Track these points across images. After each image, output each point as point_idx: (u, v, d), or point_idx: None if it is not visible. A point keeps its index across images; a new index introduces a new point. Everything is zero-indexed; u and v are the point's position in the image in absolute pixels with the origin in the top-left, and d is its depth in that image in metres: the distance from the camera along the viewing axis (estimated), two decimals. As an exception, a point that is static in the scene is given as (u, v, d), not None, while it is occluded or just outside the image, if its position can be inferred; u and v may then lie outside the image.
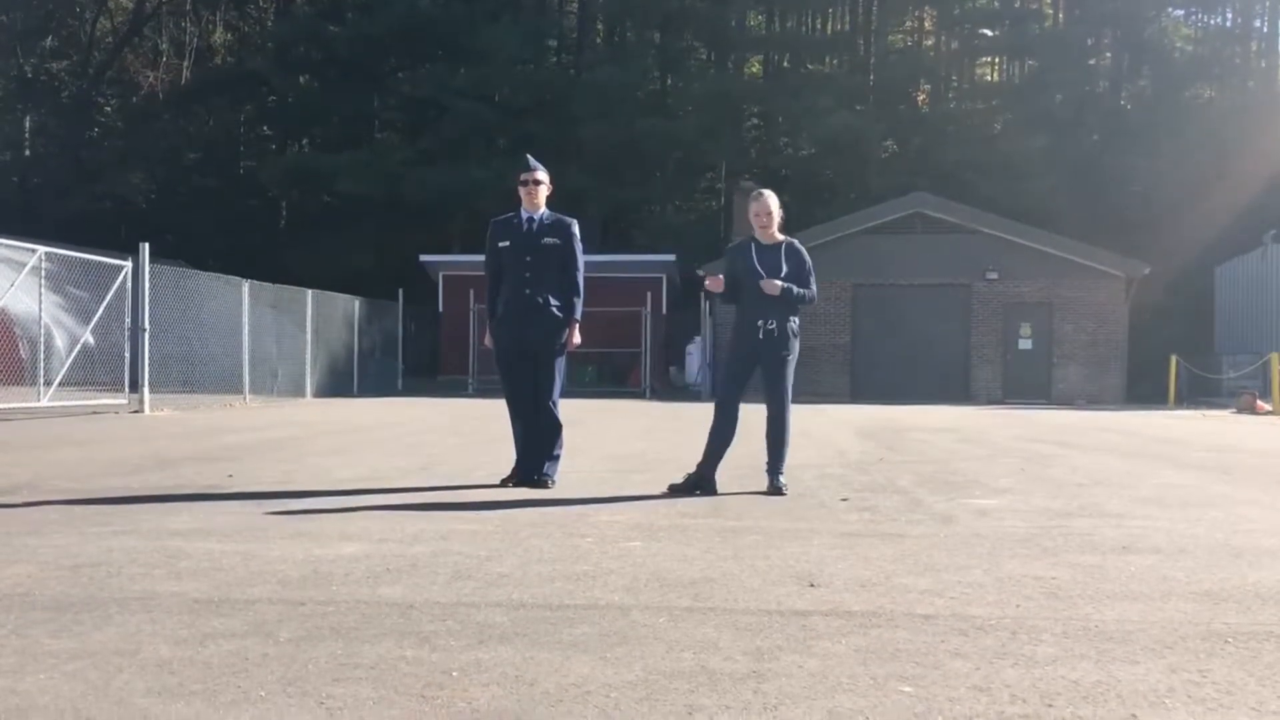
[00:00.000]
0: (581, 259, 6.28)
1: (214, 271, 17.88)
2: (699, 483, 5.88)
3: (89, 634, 2.85)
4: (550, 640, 2.83)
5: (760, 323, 5.90)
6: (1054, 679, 2.54)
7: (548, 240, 6.16)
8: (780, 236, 6.05)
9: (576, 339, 6.25)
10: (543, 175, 6.27)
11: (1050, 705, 2.35)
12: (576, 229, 6.26)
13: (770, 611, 3.17)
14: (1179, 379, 22.60)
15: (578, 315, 6.24)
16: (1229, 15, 41.21)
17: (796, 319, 6.01)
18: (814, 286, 6.05)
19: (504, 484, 6.18)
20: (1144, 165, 32.32)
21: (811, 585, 3.54)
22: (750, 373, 6.05)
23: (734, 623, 3.04)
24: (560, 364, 6.25)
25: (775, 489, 5.85)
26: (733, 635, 2.90)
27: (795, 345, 5.99)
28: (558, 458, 6.25)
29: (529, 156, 6.41)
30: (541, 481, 6.10)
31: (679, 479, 6.00)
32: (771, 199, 6.01)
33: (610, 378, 25.24)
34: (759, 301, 5.90)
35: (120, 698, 2.33)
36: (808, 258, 6.03)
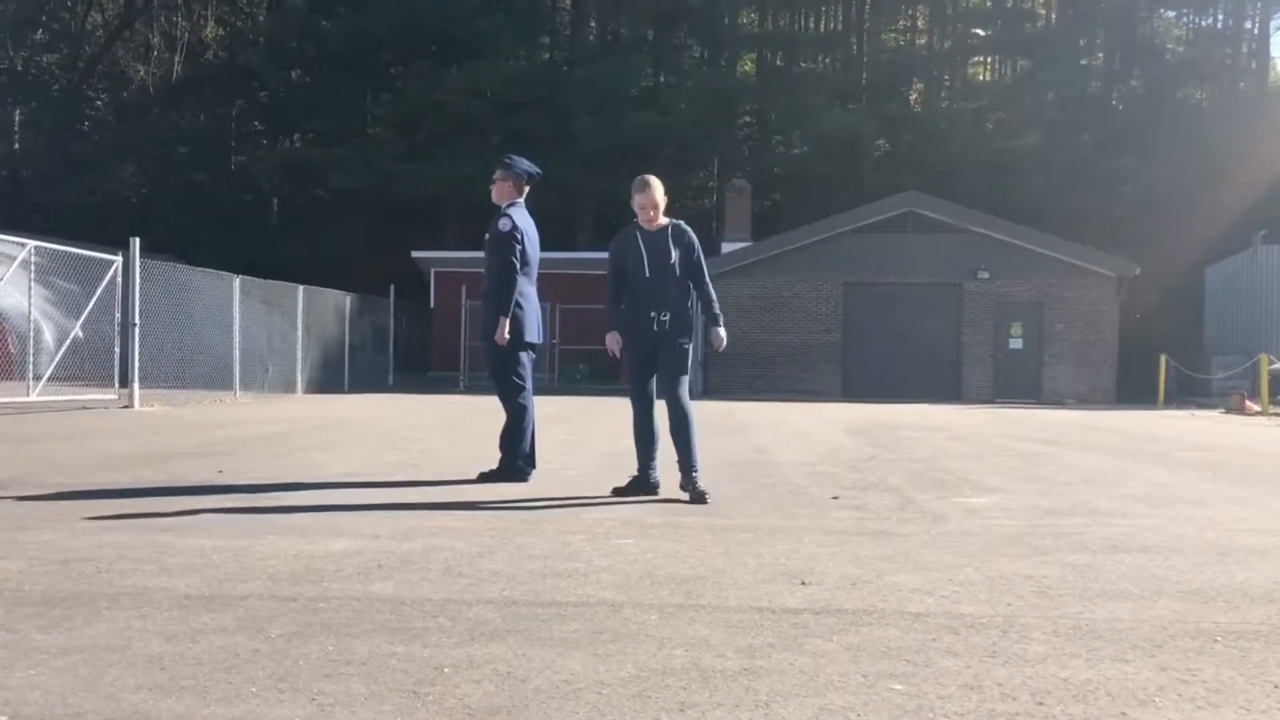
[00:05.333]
0: (501, 254, 6.07)
1: (205, 266, 17.81)
2: (641, 484, 5.68)
3: (79, 629, 2.84)
4: (542, 637, 2.83)
5: (654, 314, 5.60)
6: (1045, 677, 2.55)
7: (488, 235, 6.20)
8: (664, 220, 5.68)
9: (500, 337, 6.06)
10: (499, 172, 6.25)
11: (1041, 703, 2.35)
12: (502, 223, 6.09)
13: (762, 609, 3.18)
14: (1168, 379, 22.66)
15: (502, 311, 6.08)
16: (1220, 17, 41.38)
17: (693, 308, 5.67)
18: (707, 277, 5.71)
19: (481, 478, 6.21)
20: (1135, 165, 32.44)
21: (803, 583, 3.55)
22: (654, 365, 5.73)
23: (725, 620, 3.04)
24: (503, 359, 6.15)
25: (697, 496, 5.49)
26: (724, 633, 2.90)
27: (694, 334, 5.69)
28: (513, 448, 6.19)
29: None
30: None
31: (623, 482, 5.81)
32: (657, 189, 5.59)
33: (601, 375, 25.22)
34: (650, 292, 5.60)
35: (110, 693, 2.33)
36: (696, 243, 5.67)
